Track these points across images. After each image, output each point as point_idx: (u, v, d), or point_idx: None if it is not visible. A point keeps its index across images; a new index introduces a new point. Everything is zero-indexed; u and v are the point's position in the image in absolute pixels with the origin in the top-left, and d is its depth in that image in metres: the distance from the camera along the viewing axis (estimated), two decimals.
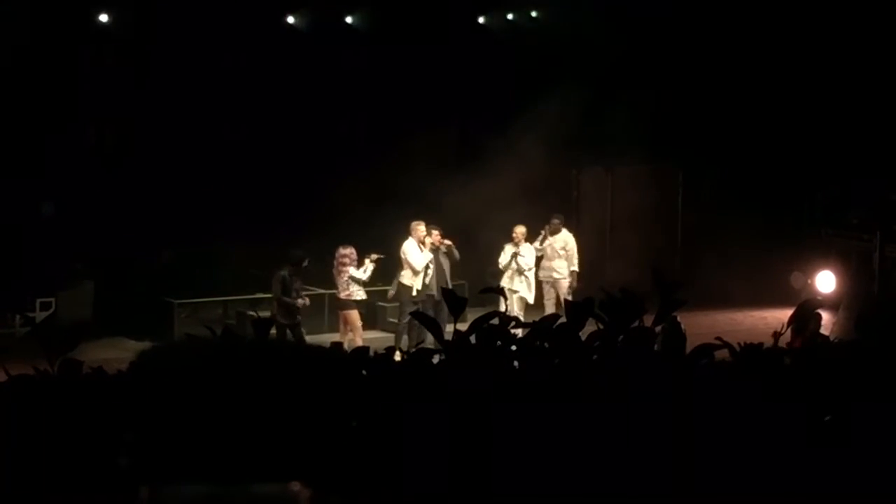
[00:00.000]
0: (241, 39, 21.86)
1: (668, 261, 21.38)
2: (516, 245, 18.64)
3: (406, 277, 17.84)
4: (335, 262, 17.40)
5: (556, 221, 19.52)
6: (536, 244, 19.11)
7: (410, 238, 17.91)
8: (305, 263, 16.85)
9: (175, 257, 20.67)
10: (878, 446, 3.55)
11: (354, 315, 17.46)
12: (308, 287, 20.13)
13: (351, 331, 17.35)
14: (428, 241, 17.94)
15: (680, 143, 22.30)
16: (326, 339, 17.82)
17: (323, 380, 1.45)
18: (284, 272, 16.54)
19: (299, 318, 16.82)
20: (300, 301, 16.68)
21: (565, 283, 19.10)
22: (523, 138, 20.38)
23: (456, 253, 18.23)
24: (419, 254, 17.85)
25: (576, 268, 19.36)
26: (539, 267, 19.17)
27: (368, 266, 17.27)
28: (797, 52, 21.69)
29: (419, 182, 19.26)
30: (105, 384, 3.13)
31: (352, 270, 17.23)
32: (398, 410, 2.97)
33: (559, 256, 19.32)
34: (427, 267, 17.81)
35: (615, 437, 3.39)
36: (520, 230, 18.70)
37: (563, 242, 19.40)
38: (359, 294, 17.40)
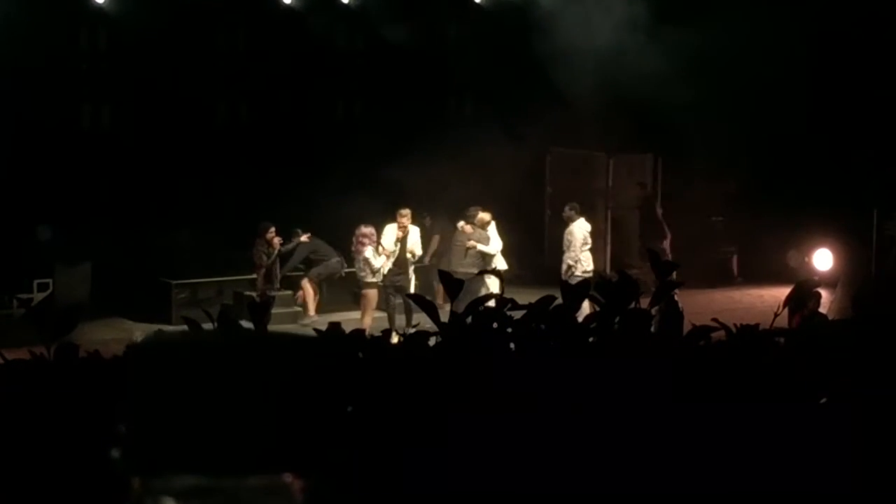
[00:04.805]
0: (236, 19, 21.82)
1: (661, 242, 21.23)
2: (479, 230, 18.02)
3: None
4: (354, 241, 17.23)
5: (568, 211, 18.36)
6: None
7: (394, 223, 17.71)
8: (271, 233, 17.87)
9: (173, 237, 20.64)
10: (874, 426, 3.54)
11: (372, 295, 17.28)
12: (304, 267, 20.14)
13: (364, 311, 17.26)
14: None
15: (663, 129, 22.06)
16: (324, 319, 17.83)
17: (317, 366, 1.44)
18: (258, 242, 18.04)
19: (275, 292, 18.12)
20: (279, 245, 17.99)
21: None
22: (505, 122, 20.37)
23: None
24: (391, 238, 17.59)
25: (570, 262, 17.81)
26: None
27: (381, 257, 17.16)
28: (783, 31, 21.54)
29: (411, 166, 19.22)
30: (101, 369, 3.12)
31: (369, 252, 17.04)
32: (394, 395, 2.96)
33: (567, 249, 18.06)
34: (394, 251, 17.54)
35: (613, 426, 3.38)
36: (480, 216, 18.07)
37: (567, 233, 18.13)
38: (370, 277, 17.21)
